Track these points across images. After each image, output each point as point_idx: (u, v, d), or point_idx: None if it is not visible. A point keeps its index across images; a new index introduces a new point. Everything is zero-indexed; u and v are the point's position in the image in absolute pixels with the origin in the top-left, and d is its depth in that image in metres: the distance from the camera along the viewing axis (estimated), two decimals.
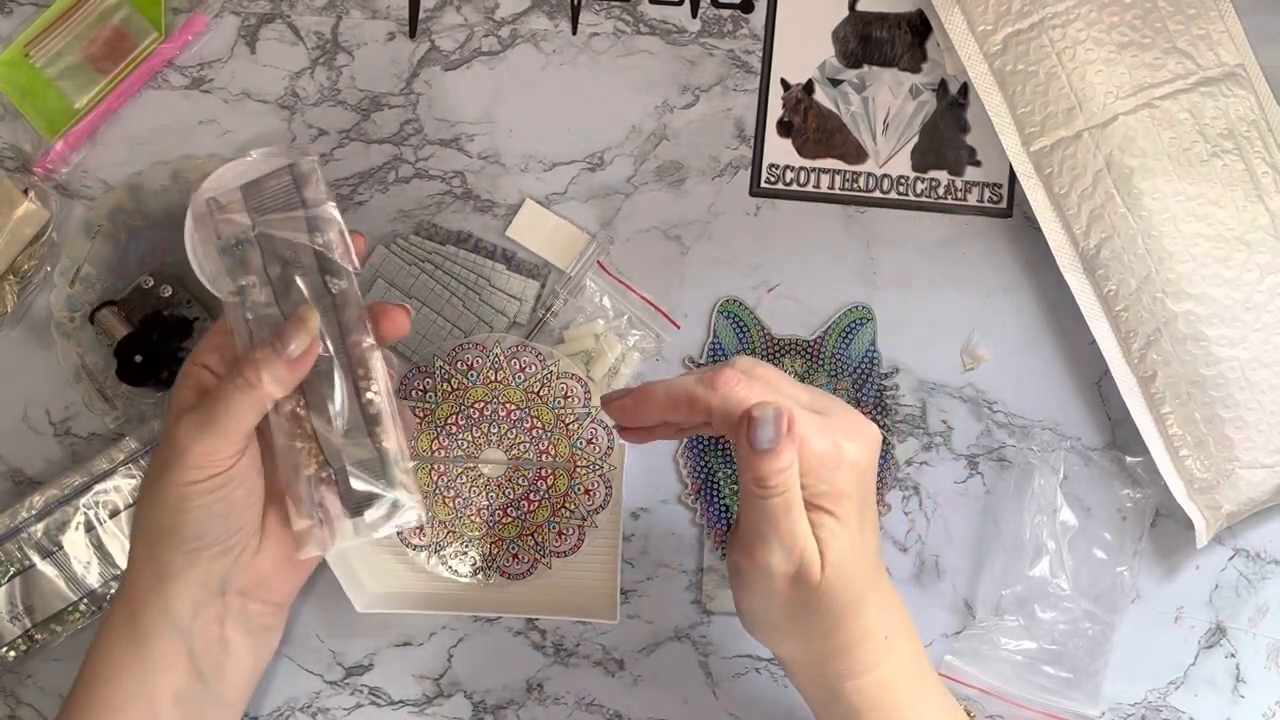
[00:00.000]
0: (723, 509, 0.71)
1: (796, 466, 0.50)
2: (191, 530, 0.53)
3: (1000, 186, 0.73)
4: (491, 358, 0.69)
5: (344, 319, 0.55)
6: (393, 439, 0.55)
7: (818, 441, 0.51)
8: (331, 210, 0.55)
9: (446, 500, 0.69)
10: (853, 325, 0.72)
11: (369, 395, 0.55)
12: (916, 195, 0.73)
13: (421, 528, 0.69)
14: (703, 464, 0.71)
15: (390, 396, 0.55)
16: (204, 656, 0.56)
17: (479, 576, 0.69)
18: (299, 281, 0.55)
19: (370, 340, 0.55)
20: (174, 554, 0.54)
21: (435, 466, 0.69)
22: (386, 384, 0.55)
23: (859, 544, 0.52)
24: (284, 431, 0.55)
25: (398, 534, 0.69)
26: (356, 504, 0.55)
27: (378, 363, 0.55)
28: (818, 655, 0.54)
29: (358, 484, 0.55)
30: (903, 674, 0.55)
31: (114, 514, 0.68)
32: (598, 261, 0.72)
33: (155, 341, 0.68)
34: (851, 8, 0.73)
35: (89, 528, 0.68)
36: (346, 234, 0.56)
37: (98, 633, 0.57)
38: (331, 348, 0.55)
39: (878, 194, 0.73)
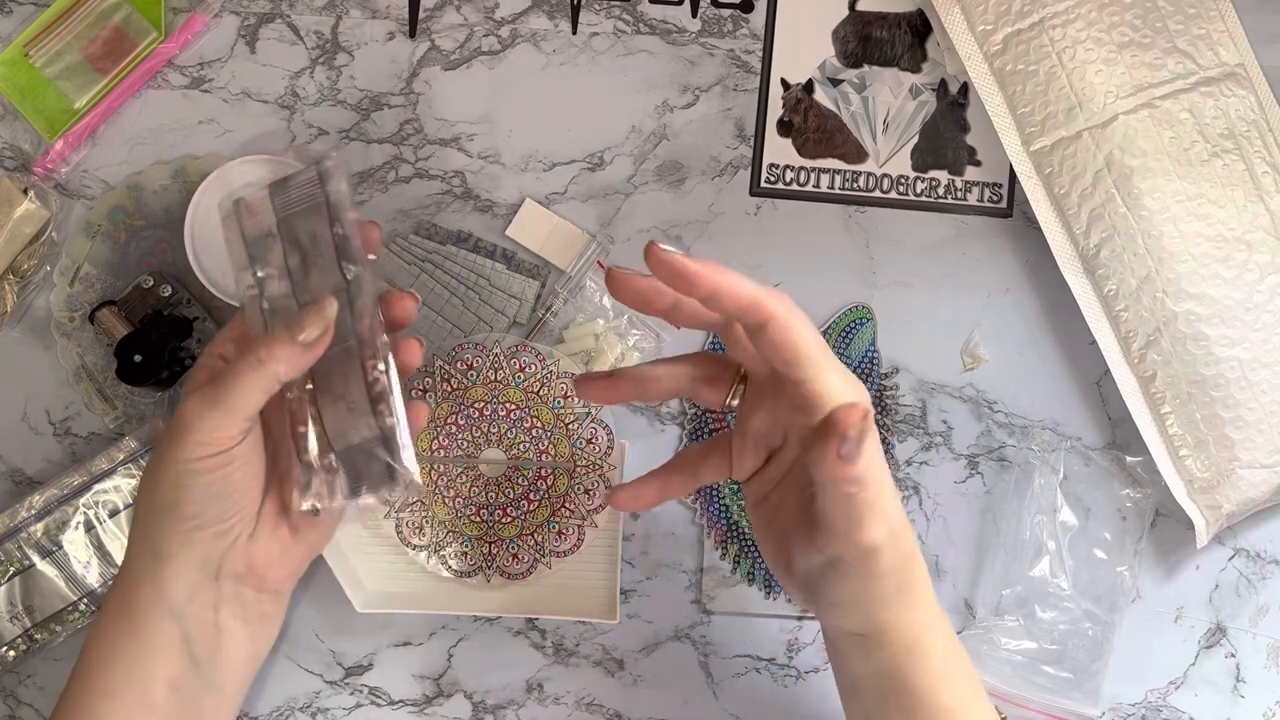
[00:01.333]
0: (723, 509, 0.71)
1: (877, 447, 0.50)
2: (190, 509, 0.53)
3: (1000, 186, 0.73)
4: (491, 358, 0.69)
5: (356, 304, 0.55)
6: (397, 417, 0.55)
7: (838, 380, 0.51)
8: (349, 200, 0.56)
9: (446, 500, 0.69)
10: (853, 325, 0.72)
11: (374, 374, 0.55)
12: (916, 195, 0.73)
13: (422, 527, 0.69)
14: None
15: (395, 377, 0.56)
16: (199, 642, 0.55)
17: (479, 576, 0.69)
18: (316, 271, 0.56)
19: (380, 323, 0.55)
20: (170, 532, 0.54)
21: (435, 466, 0.69)
22: (393, 365, 0.56)
23: (889, 484, 0.53)
24: (290, 412, 0.56)
25: (398, 533, 0.69)
26: (358, 485, 0.56)
27: (383, 344, 0.56)
28: (913, 618, 0.54)
29: (359, 459, 0.55)
30: (939, 627, 0.55)
31: (114, 514, 0.68)
32: (598, 261, 0.72)
33: (155, 341, 0.68)
34: (851, 8, 0.73)
35: (89, 527, 0.68)
36: (362, 224, 0.57)
37: (94, 619, 0.57)
38: (343, 331, 0.55)
39: (878, 194, 0.73)
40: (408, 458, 0.55)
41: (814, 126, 0.73)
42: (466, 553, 0.69)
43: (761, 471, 0.57)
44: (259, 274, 0.56)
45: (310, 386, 0.56)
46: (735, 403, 0.56)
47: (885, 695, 0.55)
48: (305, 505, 0.56)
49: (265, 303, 0.56)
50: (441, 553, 0.69)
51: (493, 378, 0.69)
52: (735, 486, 0.71)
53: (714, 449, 0.58)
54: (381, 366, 0.55)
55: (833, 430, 0.48)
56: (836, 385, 0.50)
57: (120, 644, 0.55)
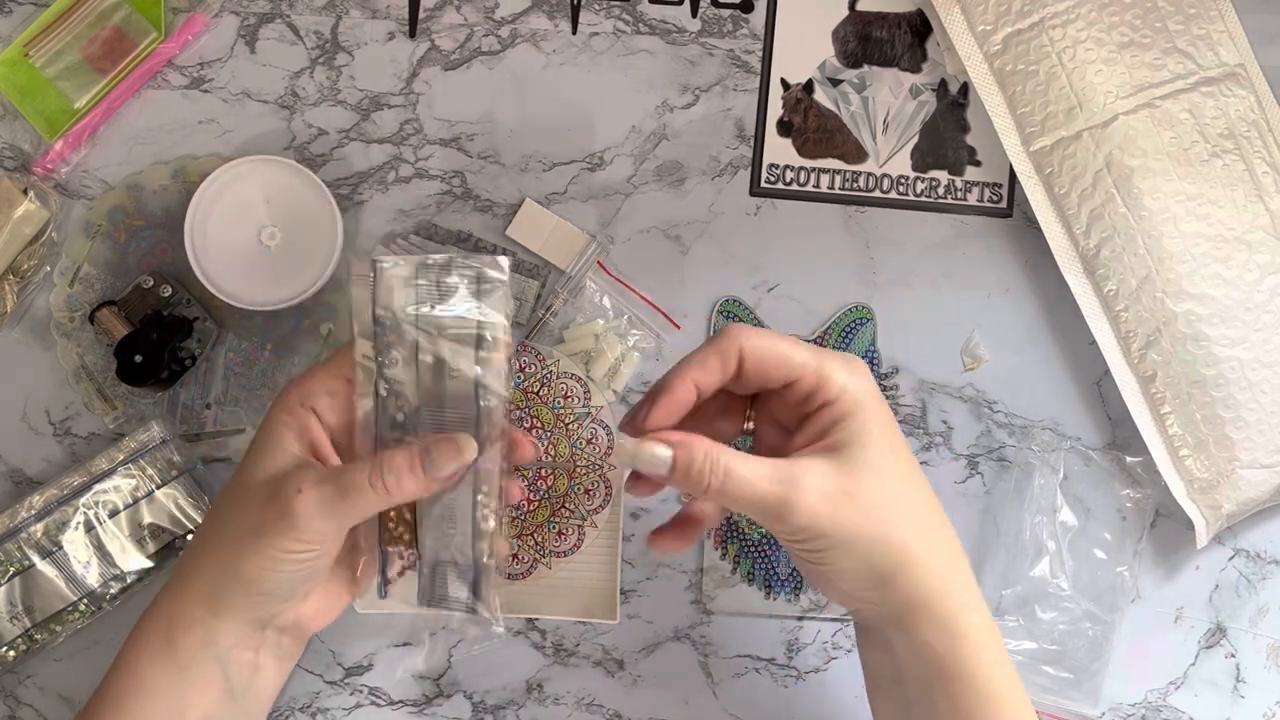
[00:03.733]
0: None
1: (708, 447, 0.52)
2: (267, 588, 0.54)
3: (1000, 186, 0.73)
4: None
5: (482, 434, 0.54)
6: (496, 557, 0.56)
7: (837, 359, 0.54)
8: (504, 332, 0.54)
9: None
10: (853, 325, 0.72)
11: (484, 512, 0.55)
12: (916, 195, 0.73)
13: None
14: None
15: (501, 520, 0.56)
16: (237, 680, 0.56)
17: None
18: (449, 384, 0.54)
19: (502, 464, 0.55)
20: (239, 599, 0.54)
21: None
22: (500, 507, 0.55)
23: (905, 451, 0.54)
24: (388, 514, 0.56)
25: None
26: (432, 598, 0.57)
27: (499, 486, 0.55)
28: (953, 593, 0.54)
29: (446, 588, 0.56)
30: (973, 603, 0.56)
31: (114, 514, 0.68)
32: (598, 261, 0.72)
33: (155, 341, 0.68)
34: (851, 7, 0.73)
35: (89, 528, 0.68)
36: (512, 359, 0.55)
37: (128, 645, 0.56)
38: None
39: (878, 194, 0.73)
40: (490, 598, 0.56)
41: (814, 126, 0.73)
42: None
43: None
44: (383, 352, 0.54)
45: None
46: (750, 426, 0.58)
47: (929, 682, 0.54)
48: (381, 594, 0.57)
49: (384, 384, 0.54)
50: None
51: None
52: None
53: (729, 403, 0.59)
54: (494, 507, 0.55)
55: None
56: (831, 363, 0.53)
57: (161, 680, 0.55)
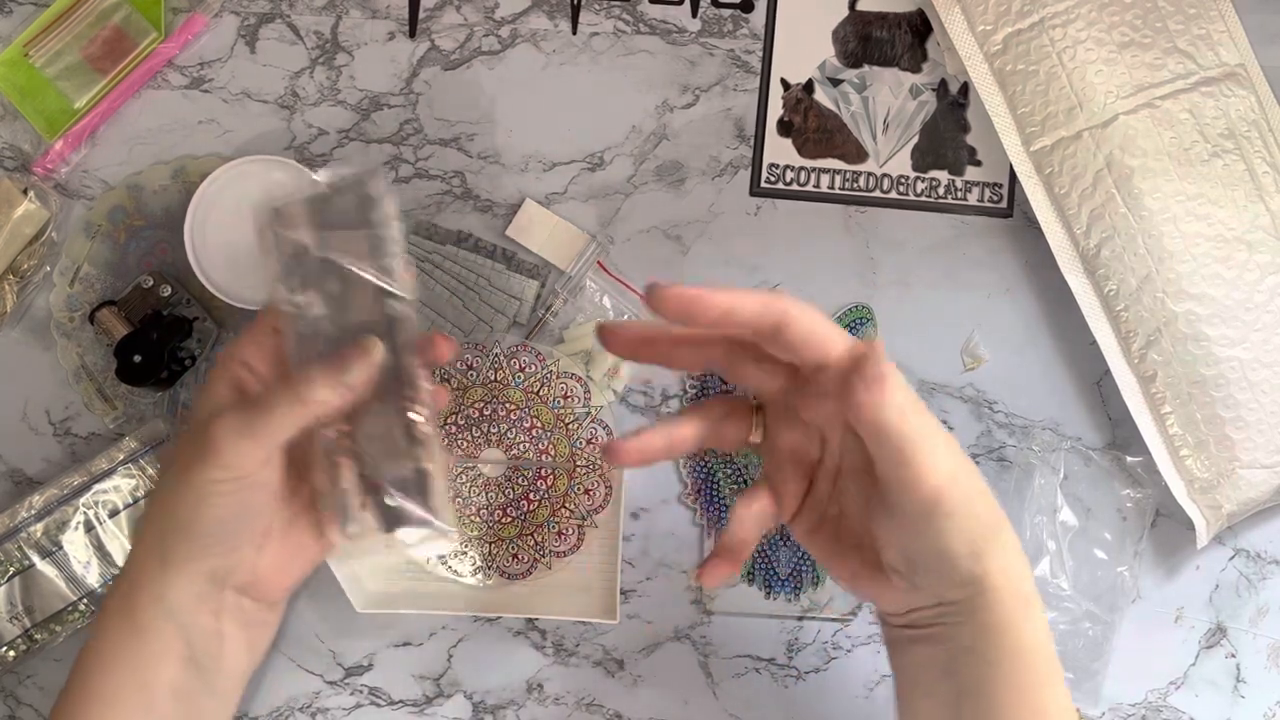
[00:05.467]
0: (722, 509, 0.71)
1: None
2: (205, 527, 0.54)
3: (1000, 186, 0.73)
4: (491, 358, 0.69)
5: (397, 341, 0.55)
6: (436, 462, 0.56)
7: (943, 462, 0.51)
8: (395, 234, 0.55)
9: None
10: (853, 325, 0.72)
11: (415, 417, 0.55)
12: (916, 195, 0.73)
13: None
14: (703, 464, 0.71)
15: (434, 422, 0.56)
16: (201, 648, 0.55)
17: (479, 576, 0.69)
18: (356, 300, 0.55)
19: (420, 365, 0.55)
20: (182, 546, 0.54)
21: None
22: (432, 409, 0.55)
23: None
24: (325, 443, 0.56)
25: None
26: (392, 521, 0.56)
27: (426, 387, 0.55)
28: (1011, 566, 0.53)
29: (396, 501, 0.55)
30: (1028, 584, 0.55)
31: (114, 514, 0.68)
32: (598, 261, 0.72)
33: (155, 341, 0.68)
34: (851, 7, 0.73)
35: (89, 527, 0.68)
36: (407, 260, 0.56)
37: (94, 622, 0.57)
38: (382, 369, 0.55)
39: (878, 194, 0.73)
40: (441, 505, 0.55)
41: (814, 126, 0.73)
42: (466, 553, 0.69)
43: (809, 494, 0.56)
44: (298, 297, 0.55)
45: (345, 419, 0.55)
46: (757, 438, 0.56)
47: (992, 663, 0.52)
48: (344, 536, 0.56)
49: (301, 325, 0.55)
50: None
51: (492, 378, 0.69)
52: (735, 484, 0.71)
53: (735, 407, 0.56)
54: (424, 411, 0.55)
55: (854, 365, 0.49)
56: (946, 462, 0.51)
57: (123, 649, 0.55)
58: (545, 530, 0.69)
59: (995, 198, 0.73)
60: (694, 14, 0.73)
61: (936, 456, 0.50)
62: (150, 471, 0.69)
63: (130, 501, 0.69)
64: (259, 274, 0.69)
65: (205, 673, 0.56)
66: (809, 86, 0.73)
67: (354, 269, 0.54)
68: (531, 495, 0.69)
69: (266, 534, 0.56)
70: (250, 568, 0.56)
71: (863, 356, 0.49)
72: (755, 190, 0.73)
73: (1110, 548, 0.70)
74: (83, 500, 0.68)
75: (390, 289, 0.55)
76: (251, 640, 0.58)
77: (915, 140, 0.73)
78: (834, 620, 0.71)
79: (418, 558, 0.66)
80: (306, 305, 0.55)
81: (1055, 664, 0.53)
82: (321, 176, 0.56)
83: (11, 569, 0.68)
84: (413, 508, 0.55)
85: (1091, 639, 0.69)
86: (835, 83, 0.73)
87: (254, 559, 0.56)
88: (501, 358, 0.69)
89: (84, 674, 0.55)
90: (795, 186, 0.73)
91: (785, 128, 0.73)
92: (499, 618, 0.71)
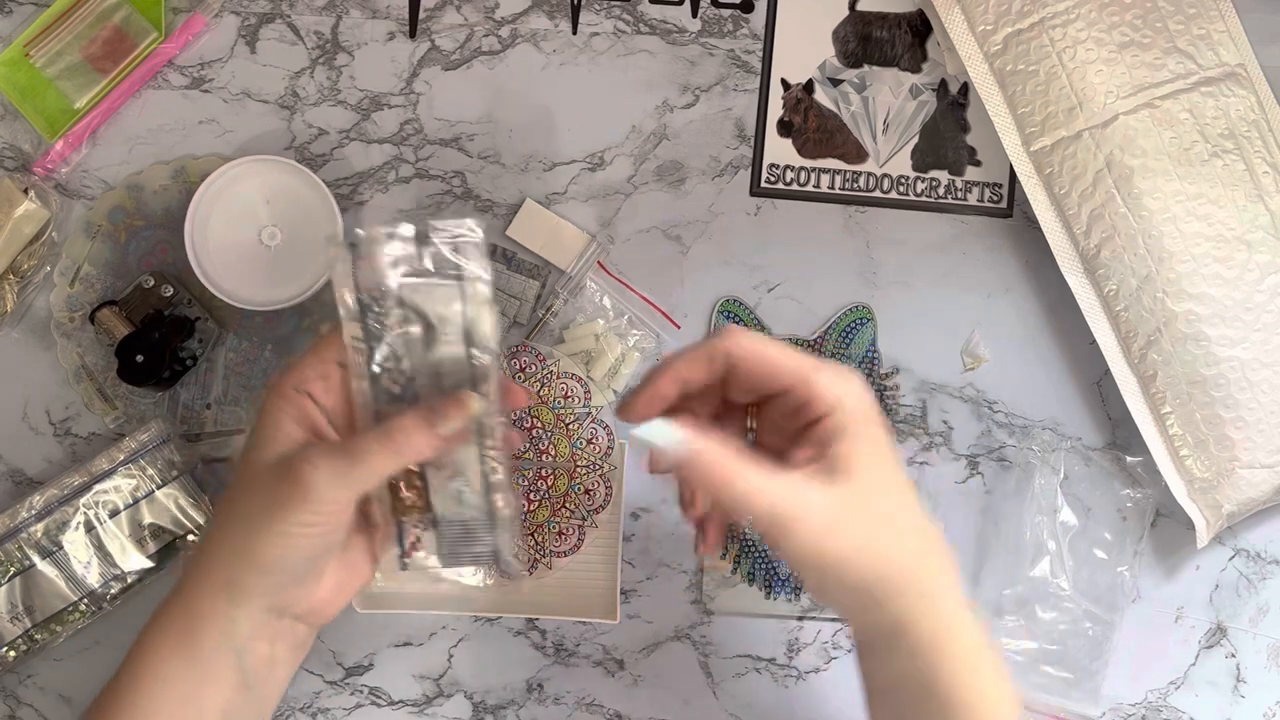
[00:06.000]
0: None
1: (718, 449, 0.52)
2: (283, 566, 0.54)
3: (1000, 186, 0.73)
4: None
5: (479, 389, 0.55)
6: (511, 507, 0.57)
7: (830, 371, 0.53)
8: (486, 287, 0.55)
9: None
10: (853, 325, 0.72)
11: (493, 464, 0.56)
12: (916, 195, 0.73)
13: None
14: None
15: (509, 468, 0.57)
16: (254, 673, 0.57)
17: (479, 576, 0.69)
18: (440, 347, 0.55)
19: (501, 417, 0.56)
20: (256, 583, 0.55)
21: None
22: (508, 456, 0.57)
23: (898, 466, 0.54)
24: (398, 480, 0.57)
25: None
26: (451, 559, 0.58)
27: (503, 435, 0.56)
28: (869, 603, 0.53)
29: (460, 534, 0.57)
30: (954, 623, 0.55)
31: (114, 514, 0.68)
32: (598, 261, 0.72)
33: (156, 341, 0.68)
34: (851, 8, 0.73)
35: (89, 528, 0.68)
36: (496, 312, 0.56)
37: (144, 641, 0.56)
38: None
39: (878, 194, 0.73)
40: (511, 547, 0.57)
41: (814, 126, 0.73)
42: None
43: None
44: (371, 330, 0.55)
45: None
46: (752, 436, 0.58)
47: (918, 700, 0.54)
48: (402, 567, 0.58)
49: (376, 365, 0.55)
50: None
51: None
52: None
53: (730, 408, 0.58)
54: (500, 458, 0.56)
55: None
56: (822, 376, 0.52)
57: (179, 674, 0.55)
58: (545, 530, 0.69)
59: (995, 198, 0.73)
60: (694, 14, 0.73)
61: (811, 517, 0.52)
62: (150, 471, 0.69)
63: (130, 501, 0.68)
64: (259, 273, 0.69)
65: (254, 693, 0.57)
66: (809, 86, 0.73)
67: (441, 319, 0.55)
68: (531, 495, 0.69)
69: (328, 566, 0.57)
70: (309, 600, 0.57)
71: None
72: (755, 190, 0.73)
73: (1110, 548, 0.70)
74: (83, 500, 0.68)
75: (477, 340, 0.55)
76: (295, 658, 0.59)
77: (915, 140, 0.73)
78: (834, 620, 0.71)
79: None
80: (380, 345, 0.55)
81: (992, 677, 0.54)
82: (416, 223, 0.55)
83: (12, 569, 0.68)
84: (481, 548, 0.57)
85: (1091, 639, 0.69)
86: (835, 83, 0.73)
87: (314, 590, 0.57)
88: (502, 358, 0.69)
89: (133, 693, 0.56)
90: (795, 186, 0.73)
91: (785, 128, 0.73)
92: (499, 618, 0.71)
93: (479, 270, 0.54)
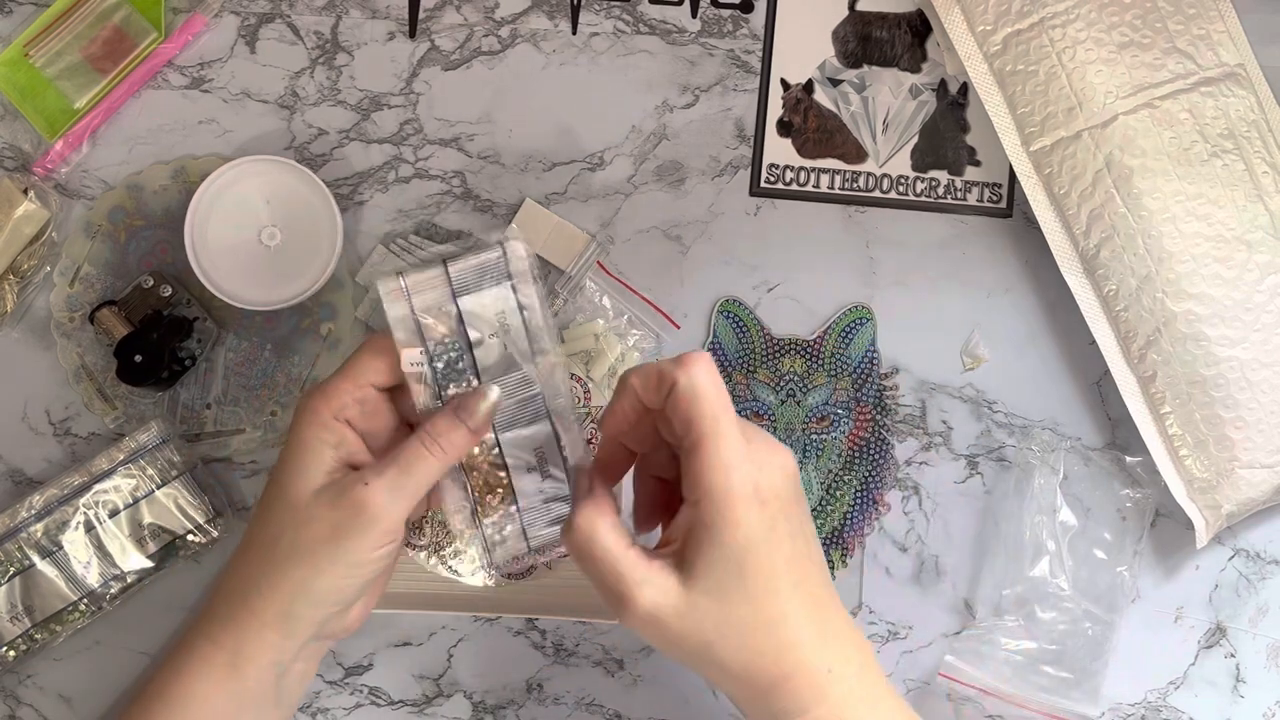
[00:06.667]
0: None
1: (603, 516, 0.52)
2: (344, 597, 0.55)
3: (1000, 186, 0.73)
4: None
5: (550, 384, 0.58)
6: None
7: (727, 454, 0.50)
8: (538, 295, 0.58)
9: None
10: (852, 325, 0.72)
11: (567, 453, 0.58)
12: (916, 195, 0.73)
13: (421, 527, 0.69)
14: None
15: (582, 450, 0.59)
16: (290, 690, 0.58)
17: (479, 576, 0.69)
18: (504, 352, 0.57)
19: (575, 403, 0.59)
20: (310, 617, 0.55)
21: None
22: (584, 449, 0.59)
23: (756, 576, 0.50)
24: (484, 477, 0.59)
25: None
26: (540, 540, 0.60)
27: (576, 425, 0.59)
28: (754, 694, 0.52)
29: (546, 522, 0.59)
30: (853, 708, 0.53)
31: (114, 514, 0.68)
32: (597, 261, 0.72)
33: (156, 341, 0.68)
34: (851, 8, 0.73)
35: (89, 528, 0.68)
36: (550, 313, 0.59)
37: (181, 661, 0.57)
38: (536, 410, 0.58)
39: (878, 194, 0.73)
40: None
41: (814, 126, 0.73)
42: (466, 553, 0.69)
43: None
44: (432, 352, 0.57)
45: (500, 461, 0.58)
46: None
47: None
48: (503, 562, 0.60)
49: (439, 378, 0.57)
50: (441, 553, 0.69)
51: None
52: None
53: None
54: (574, 446, 0.58)
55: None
56: (723, 453, 0.50)
57: (222, 702, 0.56)
58: None
59: (995, 198, 0.73)
60: (694, 14, 0.73)
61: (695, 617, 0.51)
62: (150, 471, 0.68)
63: (130, 501, 0.68)
64: (259, 273, 0.69)
65: (282, 707, 0.58)
66: (809, 86, 0.73)
67: (499, 330, 0.57)
68: None
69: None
70: (347, 620, 0.58)
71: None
72: (755, 190, 0.73)
73: (1110, 548, 0.70)
74: (83, 500, 0.68)
75: (536, 340, 0.58)
76: (316, 668, 0.60)
77: (915, 140, 0.73)
78: None
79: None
80: (443, 365, 0.57)
81: None
82: (450, 248, 0.59)
83: (11, 569, 0.68)
84: (556, 515, 0.59)
85: (1091, 639, 0.69)
86: (835, 83, 0.73)
87: (354, 609, 0.57)
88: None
89: (166, 704, 0.56)
90: (795, 186, 0.73)
91: (785, 128, 0.73)
92: (499, 618, 0.71)
93: (529, 282, 0.57)
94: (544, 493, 0.59)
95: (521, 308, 0.57)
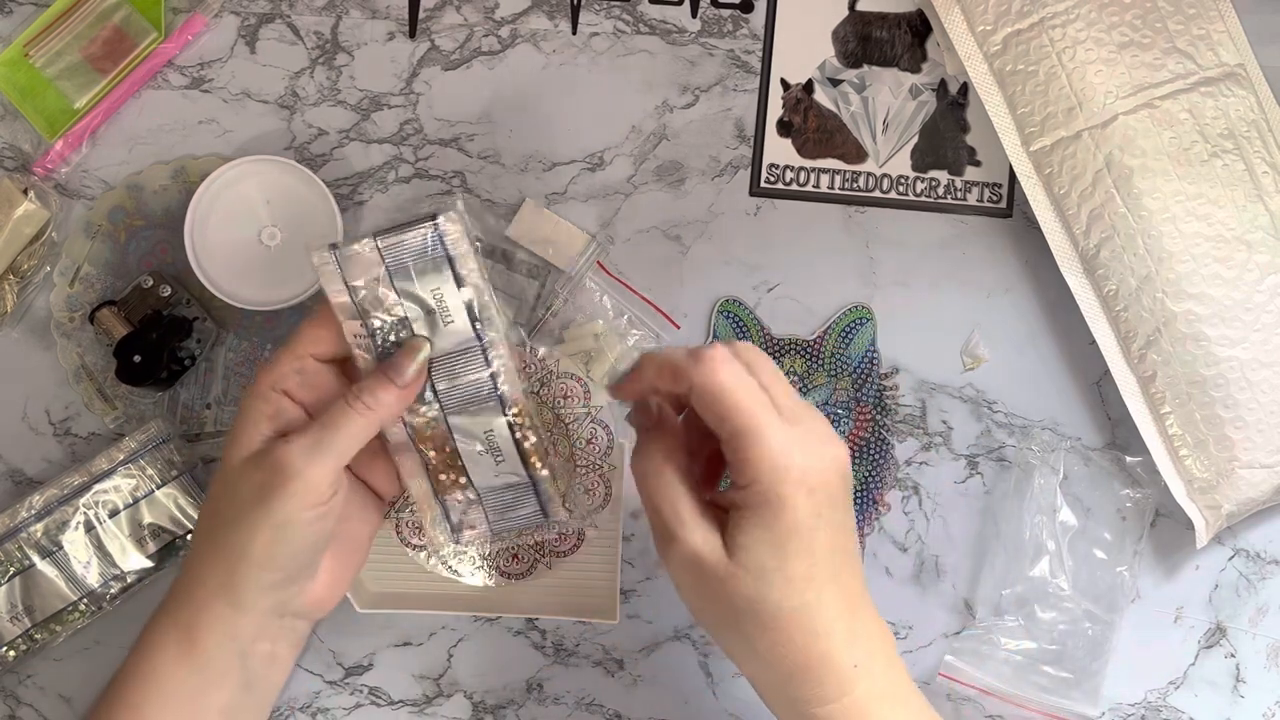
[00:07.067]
0: None
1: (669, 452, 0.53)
2: (280, 562, 0.54)
3: (1000, 186, 0.73)
4: None
5: (490, 357, 0.58)
6: (548, 468, 0.60)
7: (774, 443, 0.50)
8: (478, 265, 0.57)
9: None
10: (852, 325, 0.72)
11: (523, 431, 0.58)
12: (916, 195, 0.73)
13: (421, 527, 0.69)
14: None
15: (540, 432, 0.59)
16: (256, 673, 0.57)
17: (479, 576, 0.69)
18: (445, 328, 0.57)
19: (521, 379, 0.58)
20: (253, 584, 0.55)
21: None
22: (536, 422, 0.59)
23: (796, 561, 0.51)
24: (431, 459, 0.59)
25: (397, 533, 0.69)
26: (500, 522, 0.60)
27: (526, 403, 0.59)
28: (776, 678, 0.53)
29: (502, 501, 0.59)
30: (876, 704, 0.53)
31: (114, 514, 0.68)
32: (597, 261, 0.72)
33: (155, 341, 0.68)
34: (851, 8, 0.73)
35: (89, 527, 0.68)
36: (489, 285, 0.58)
37: (143, 643, 0.57)
38: (482, 388, 0.58)
39: (878, 194, 0.73)
40: (559, 506, 0.61)
41: (814, 126, 0.73)
42: (466, 553, 0.69)
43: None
44: (371, 325, 0.57)
45: (450, 438, 0.58)
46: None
47: None
48: (455, 541, 0.60)
49: (379, 347, 0.57)
50: (441, 553, 0.69)
51: None
52: None
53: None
54: (529, 424, 0.58)
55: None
56: (777, 443, 0.50)
57: (181, 678, 0.56)
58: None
59: (995, 198, 0.73)
60: (694, 14, 0.73)
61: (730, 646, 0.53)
62: (150, 471, 0.69)
63: (130, 501, 0.69)
64: (259, 273, 0.69)
65: (255, 692, 0.58)
66: (809, 86, 0.73)
67: (437, 301, 0.57)
68: None
69: (323, 558, 0.57)
70: (309, 595, 0.57)
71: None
72: (755, 190, 0.73)
73: (1110, 548, 0.70)
74: (83, 500, 0.68)
75: (480, 315, 0.57)
76: (294, 655, 0.60)
77: (915, 140, 0.73)
78: None
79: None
80: (379, 332, 0.57)
81: None
82: (389, 224, 0.58)
83: (11, 569, 0.68)
84: (527, 510, 0.60)
85: (1091, 639, 0.69)
86: (835, 83, 0.73)
87: (312, 586, 0.57)
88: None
89: (133, 696, 0.56)
90: (795, 186, 0.73)
91: (785, 128, 0.73)
92: (499, 618, 0.71)
93: (469, 250, 0.56)
94: (500, 476, 0.58)
95: (461, 283, 0.57)
